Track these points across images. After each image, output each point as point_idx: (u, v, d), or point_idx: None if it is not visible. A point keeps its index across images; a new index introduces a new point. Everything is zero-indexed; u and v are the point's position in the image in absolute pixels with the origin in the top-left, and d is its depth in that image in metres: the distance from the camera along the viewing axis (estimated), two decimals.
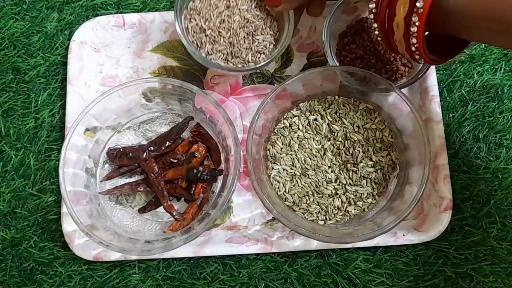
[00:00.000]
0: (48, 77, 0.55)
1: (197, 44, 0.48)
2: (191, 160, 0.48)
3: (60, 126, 0.53)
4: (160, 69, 0.54)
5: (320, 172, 0.48)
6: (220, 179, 0.50)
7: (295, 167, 0.48)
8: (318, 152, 0.49)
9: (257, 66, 0.47)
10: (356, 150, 0.48)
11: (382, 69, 0.49)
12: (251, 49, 0.47)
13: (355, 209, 0.47)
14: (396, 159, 0.49)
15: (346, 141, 0.48)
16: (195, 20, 0.47)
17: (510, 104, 0.53)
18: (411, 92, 0.52)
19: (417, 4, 0.32)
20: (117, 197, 0.50)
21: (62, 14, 0.56)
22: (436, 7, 0.33)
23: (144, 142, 0.51)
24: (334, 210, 0.47)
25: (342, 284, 0.49)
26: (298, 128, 0.49)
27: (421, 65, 0.49)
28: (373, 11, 0.37)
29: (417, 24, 0.33)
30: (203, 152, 0.49)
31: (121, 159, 0.49)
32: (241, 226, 0.50)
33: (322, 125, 0.49)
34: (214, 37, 0.47)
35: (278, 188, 0.48)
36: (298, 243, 0.48)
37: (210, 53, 0.47)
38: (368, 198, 0.48)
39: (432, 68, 0.50)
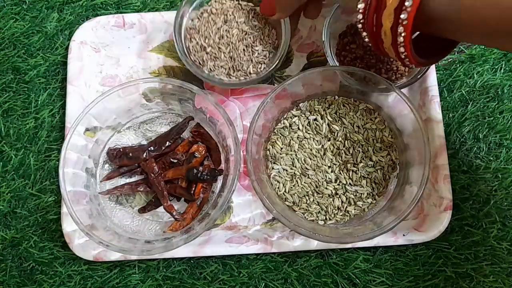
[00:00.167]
0: (48, 77, 0.55)
1: (199, 63, 0.49)
2: (191, 160, 0.48)
3: (60, 126, 0.53)
4: (160, 69, 0.54)
5: (320, 172, 0.48)
6: (220, 179, 0.50)
7: (295, 167, 0.48)
8: (318, 152, 0.49)
9: (259, 77, 0.48)
10: (356, 150, 0.48)
11: (382, 69, 0.49)
12: (252, 60, 0.48)
13: (355, 209, 0.47)
14: (396, 159, 0.49)
15: (346, 141, 0.48)
16: (195, 39, 0.48)
17: (510, 104, 0.53)
18: (411, 92, 0.52)
19: (402, 16, 0.33)
20: (117, 197, 0.50)
21: (62, 14, 0.56)
22: (422, 14, 0.33)
23: (144, 142, 0.51)
24: (334, 210, 0.47)
25: (342, 284, 0.49)
26: (298, 128, 0.49)
27: None
28: (361, 21, 0.37)
29: (403, 34, 0.34)
30: (203, 152, 0.49)
31: (121, 159, 0.49)
32: (241, 226, 0.50)
33: (322, 125, 0.49)
34: (215, 54, 0.48)
35: (278, 188, 0.48)
36: (298, 243, 0.48)
37: (212, 70, 0.49)
38: (368, 198, 0.48)
39: (432, 68, 0.50)
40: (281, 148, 0.49)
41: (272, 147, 0.49)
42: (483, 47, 0.54)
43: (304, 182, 0.48)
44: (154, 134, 0.52)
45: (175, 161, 0.49)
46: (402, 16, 0.33)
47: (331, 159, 0.48)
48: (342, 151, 0.48)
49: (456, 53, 0.54)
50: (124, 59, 0.55)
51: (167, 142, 0.50)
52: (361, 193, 0.48)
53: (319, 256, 0.49)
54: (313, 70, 0.46)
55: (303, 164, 0.48)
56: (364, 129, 0.49)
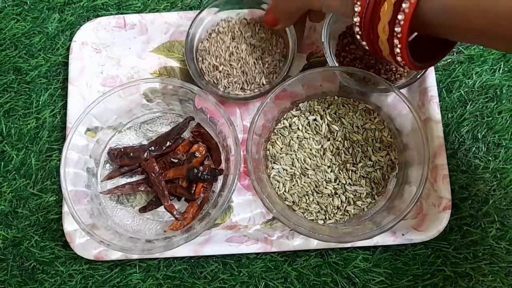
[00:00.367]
0: (49, 78, 0.55)
1: (213, 82, 0.50)
2: (192, 160, 0.49)
3: (61, 126, 0.53)
4: (161, 69, 0.55)
5: (320, 172, 0.48)
6: (220, 178, 0.50)
7: (295, 167, 0.48)
8: (318, 152, 0.49)
9: (272, 87, 0.48)
10: (355, 150, 0.48)
11: (381, 69, 0.49)
12: (263, 72, 0.49)
13: (354, 209, 0.48)
14: (395, 159, 0.49)
15: (345, 141, 0.49)
16: (207, 60, 0.50)
17: (509, 104, 0.53)
18: (410, 92, 0.52)
19: (396, 29, 0.33)
20: (118, 196, 0.50)
21: (63, 15, 0.57)
22: (416, 22, 0.33)
23: (145, 142, 0.52)
24: (333, 210, 0.47)
25: (341, 283, 0.49)
26: (298, 128, 0.50)
27: None
28: (359, 33, 0.37)
29: (399, 46, 0.34)
30: (204, 152, 0.49)
31: (122, 159, 0.50)
32: (241, 225, 0.50)
33: (321, 125, 0.49)
34: (227, 71, 0.49)
35: (278, 187, 0.48)
36: (298, 243, 0.48)
37: (227, 87, 0.50)
38: (367, 197, 0.48)
39: (431, 68, 0.51)
40: (281, 148, 0.49)
41: (272, 147, 0.49)
42: (481, 47, 0.55)
43: (304, 182, 0.48)
44: (155, 134, 0.52)
45: (176, 161, 0.49)
46: (396, 29, 0.33)
47: (331, 159, 0.48)
48: (342, 151, 0.48)
49: (455, 53, 0.55)
50: (125, 59, 0.55)
51: (168, 142, 0.50)
52: (361, 193, 0.48)
53: (318, 255, 0.50)
54: (313, 71, 0.46)
55: (303, 164, 0.48)
56: (363, 129, 0.49)
